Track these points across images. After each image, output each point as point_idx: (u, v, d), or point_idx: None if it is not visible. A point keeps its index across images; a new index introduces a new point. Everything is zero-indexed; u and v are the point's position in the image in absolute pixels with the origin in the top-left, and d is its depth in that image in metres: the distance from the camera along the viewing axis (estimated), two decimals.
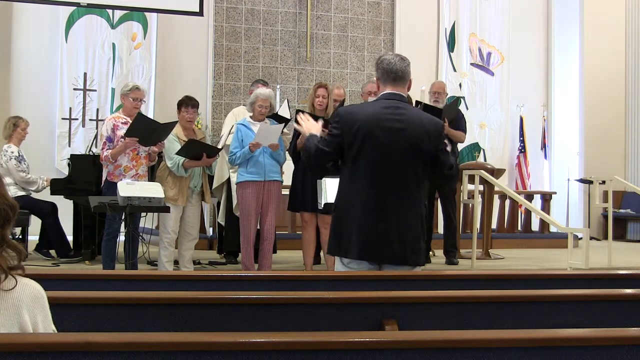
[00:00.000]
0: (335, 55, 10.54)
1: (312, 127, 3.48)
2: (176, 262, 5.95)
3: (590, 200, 8.94)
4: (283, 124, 6.01)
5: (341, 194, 3.33)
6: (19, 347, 1.60)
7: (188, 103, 5.83)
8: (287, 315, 2.45)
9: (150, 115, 7.94)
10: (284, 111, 6.74)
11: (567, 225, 9.97)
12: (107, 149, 5.55)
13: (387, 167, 3.20)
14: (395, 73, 3.29)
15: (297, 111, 5.95)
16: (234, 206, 6.34)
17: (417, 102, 6.62)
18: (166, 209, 5.35)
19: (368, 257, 3.19)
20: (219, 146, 6.01)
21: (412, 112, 3.34)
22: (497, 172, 7.61)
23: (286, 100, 7.60)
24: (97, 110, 9.28)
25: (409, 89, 3.42)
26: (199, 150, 5.68)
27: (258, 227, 5.83)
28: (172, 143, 5.67)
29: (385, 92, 3.31)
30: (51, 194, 6.67)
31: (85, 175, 6.53)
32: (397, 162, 3.20)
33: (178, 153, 5.61)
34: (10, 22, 9.12)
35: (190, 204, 5.83)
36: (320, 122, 3.59)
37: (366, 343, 1.78)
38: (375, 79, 3.44)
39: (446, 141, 3.41)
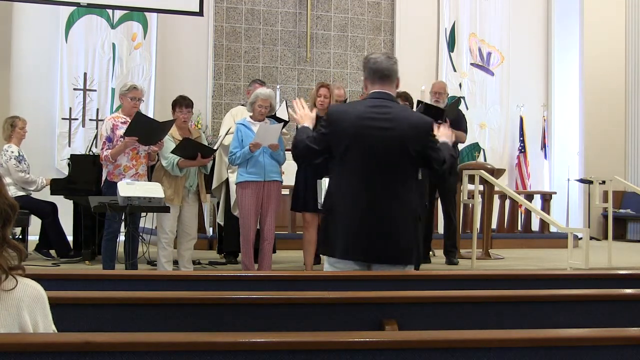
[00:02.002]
0: (335, 55, 10.54)
1: (305, 117, 3.50)
2: (176, 262, 5.95)
3: (590, 200, 8.94)
4: (282, 124, 6.01)
5: (330, 192, 3.35)
6: (19, 347, 1.60)
7: (182, 103, 5.84)
8: (287, 315, 2.45)
9: (151, 116, 7.94)
10: (282, 112, 6.73)
11: (567, 225, 9.97)
12: (106, 149, 5.56)
13: (374, 166, 3.20)
14: (382, 72, 3.27)
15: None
16: (231, 205, 6.34)
17: (419, 102, 6.62)
18: (166, 209, 5.35)
19: (352, 257, 3.19)
20: (216, 146, 6.00)
21: (400, 110, 3.32)
22: (497, 172, 7.61)
23: (284, 102, 7.60)
24: (97, 110, 9.27)
25: (397, 87, 3.41)
26: (194, 150, 5.67)
27: (258, 227, 5.83)
28: (167, 142, 5.67)
29: (373, 92, 3.30)
30: (51, 194, 6.67)
31: (85, 175, 6.53)
32: (384, 162, 3.20)
33: (173, 152, 5.61)
34: (10, 22, 9.12)
35: (188, 204, 5.82)
36: (314, 113, 3.60)
37: (366, 343, 1.78)
38: (363, 78, 3.43)
39: (438, 137, 3.39)
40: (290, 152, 6.06)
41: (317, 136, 3.31)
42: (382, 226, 3.18)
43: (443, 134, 3.50)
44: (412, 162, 3.26)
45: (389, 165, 3.20)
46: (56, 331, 1.79)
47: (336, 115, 3.29)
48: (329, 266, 3.29)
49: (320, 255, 6.33)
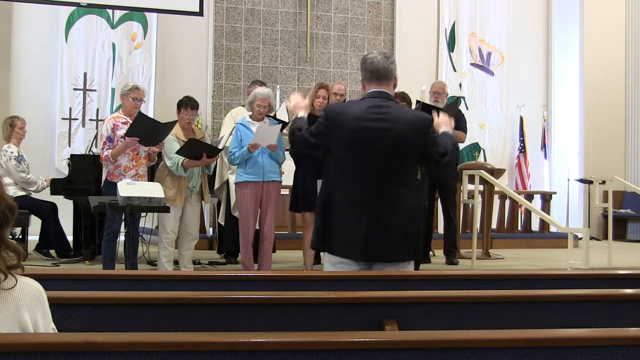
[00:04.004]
0: (335, 55, 10.53)
1: (299, 106, 3.55)
2: (176, 262, 5.95)
3: (590, 200, 8.94)
4: (281, 124, 6.01)
5: (327, 191, 3.33)
6: (19, 347, 1.60)
7: (188, 104, 5.83)
8: (287, 315, 2.45)
9: (150, 116, 7.94)
10: (282, 114, 6.72)
11: (567, 225, 9.97)
12: (107, 149, 5.55)
13: (372, 166, 3.20)
14: (378, 72, 3.27)
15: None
16: (231, 206, 6.34)
17: (417, 102, 6.62)
18: (166, 209, 5.35)
19: (353, 257, 3.19)
20: (220, 146, 6.00)
21: (397, 110, 3.31)
22: (497, 172, 7.61)
23: (285, 103, 7.59)
24: (97, 110, 9.28)
25: (395, 86, 3.40)
26: (199, 150, 5.68)
27: (258, 227, 5.83)
28: (171, 143, 5.67)
29: (370, 91, 3.30)
30: (51, 194, 6.67)
31: (85, 175, 6.53)
32: (382, 162, 3.19)
33: (178, 152, 5.61)
34: (10, 22, 9.12)
35: (190, 204, 5.82)
36: (307, 102, 3.64)
37: (366, 343, 1.78)
38: (360, 79, 3.44)
39: (437, 127, 3.39)
40: (289, 152, 6.10)
41: (315, 131, 3.31)
42: (378, 226, 3.18)
43: (442, 122, 3.49)
44: (411, 161, 3.27)
45: (388, 165, 3.20)
46: (56, 330, 1.79)
47: (334, 116, 3.28)
48: (330, 266, 3.28)
49: (321, 254, 6.34)
